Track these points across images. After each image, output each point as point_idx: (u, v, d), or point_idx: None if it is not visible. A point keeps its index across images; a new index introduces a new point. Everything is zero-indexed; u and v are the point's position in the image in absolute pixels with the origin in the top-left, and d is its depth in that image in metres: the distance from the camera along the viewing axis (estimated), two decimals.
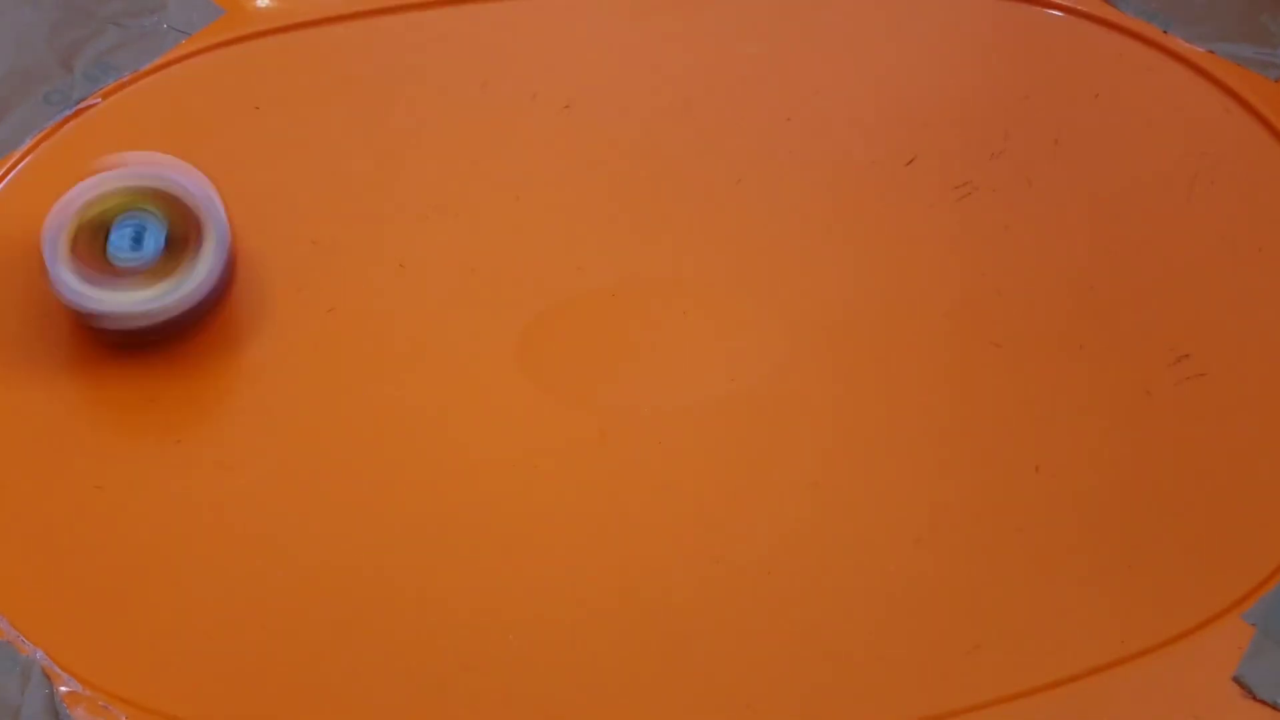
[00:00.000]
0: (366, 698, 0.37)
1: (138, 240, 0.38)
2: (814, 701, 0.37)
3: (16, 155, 0.46)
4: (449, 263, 0.44)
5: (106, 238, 0.38)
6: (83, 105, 0.47)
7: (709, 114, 0.47)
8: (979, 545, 0.39)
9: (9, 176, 0.45)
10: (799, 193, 0.46)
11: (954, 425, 0.41)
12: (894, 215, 0.45)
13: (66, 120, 0.46)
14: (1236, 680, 0.37)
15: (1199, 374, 0.42)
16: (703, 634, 0.38)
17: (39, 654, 0.37)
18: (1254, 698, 0.37)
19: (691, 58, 0.48)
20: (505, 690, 0.37)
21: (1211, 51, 0.48)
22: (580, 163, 0.46)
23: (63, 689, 0.37)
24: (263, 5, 0.49)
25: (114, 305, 0.37)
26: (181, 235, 0.38)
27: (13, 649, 0.37)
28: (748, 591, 0.39)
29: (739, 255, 0.44)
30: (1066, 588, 0.39)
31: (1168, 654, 0.38)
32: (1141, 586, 0.38)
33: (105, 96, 0.47)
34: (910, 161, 0.46)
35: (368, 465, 0.41)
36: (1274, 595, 0.38)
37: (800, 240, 0.45)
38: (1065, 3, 0.49)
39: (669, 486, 0.40)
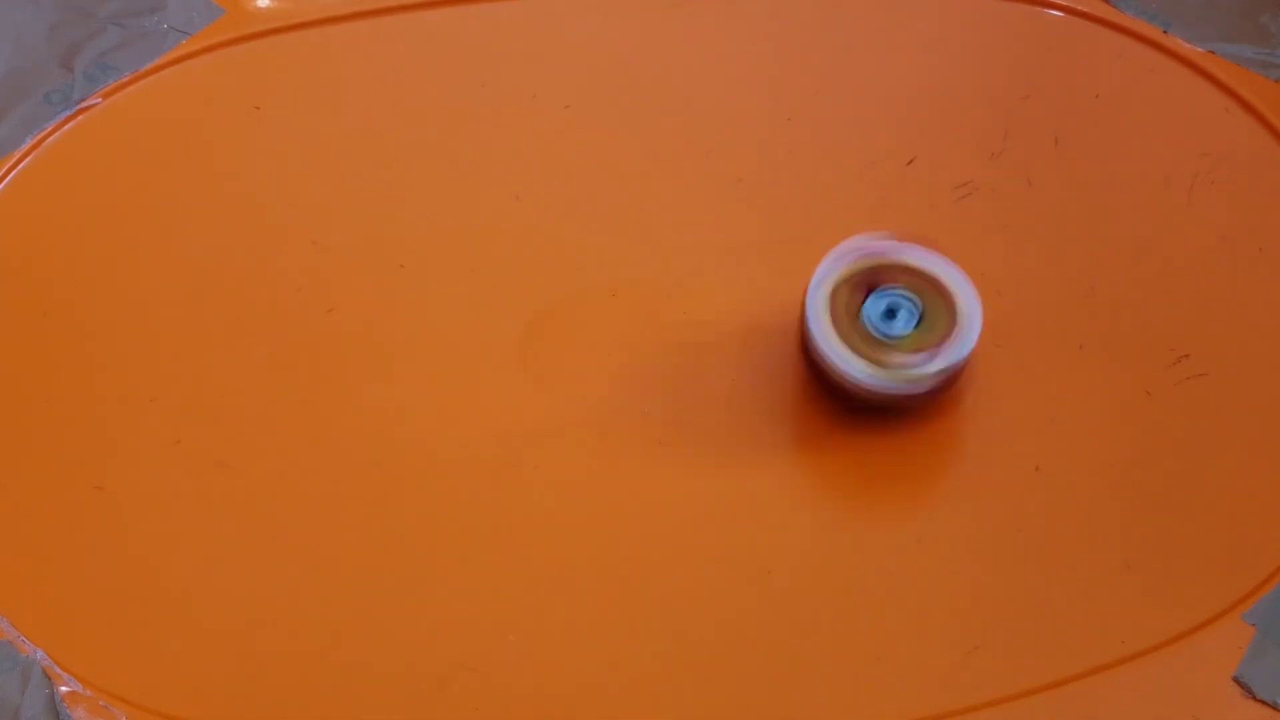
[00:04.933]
0: (366, 697, 0.37)
1: (891, 314, 0.40)
2: (813, 701, 0.37)
3: (17, 155, 0.46)
4: (449, 263, 0.44)
5: (863, 301, 0.41)
6: (83, 105, 0.47)
7: (709, 114, 0.47)
8: (979, 545, 0.39)
9: (9, 176, 0.45)
10: (799, 193, 0.46)
11: (954, 425, 0.41)
12: (894, 215, 0.45)
13: (67, 120, 0.46)
14: (1237, 680, 0.37)
15: (1199, 374, 0.42)
16: (702, 634, 0.38)
17: (39, 654, 0.37)
18: (1254, 698, 0.37)
19: (691, 58, 0.48)
20: (505, 689, 0.37)
21: (1212, 52, 0.48)
22: (580, 163, 0.46)
23: (63, 689, 0.37)
24: (263, 5, 0.49)
25: (855, 372, 0.40)
26: (932, 323, 0.40)
27: (13, 649, 0.37)
28: (747, 591, 0.39)
29: (739, 256, 0.44)
30: (1066, 588, 0.39)
31: (1168, 654, 0.38)
32: (1141, 586, 0.38)
33: (105, 96, 0.47)
34: (910, 161, 0.46)
35: (367, 465, 0.41)
36: (1274, 595, 0.38)
37: (800, 241, 0.45)
38: (1065, 3, 0.49)
39: (669, 486, 0.40)
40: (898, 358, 0.40)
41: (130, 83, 0.47)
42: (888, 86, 0.47)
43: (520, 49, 0.48)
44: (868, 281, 0.41)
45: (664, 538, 0.40)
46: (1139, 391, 0.42)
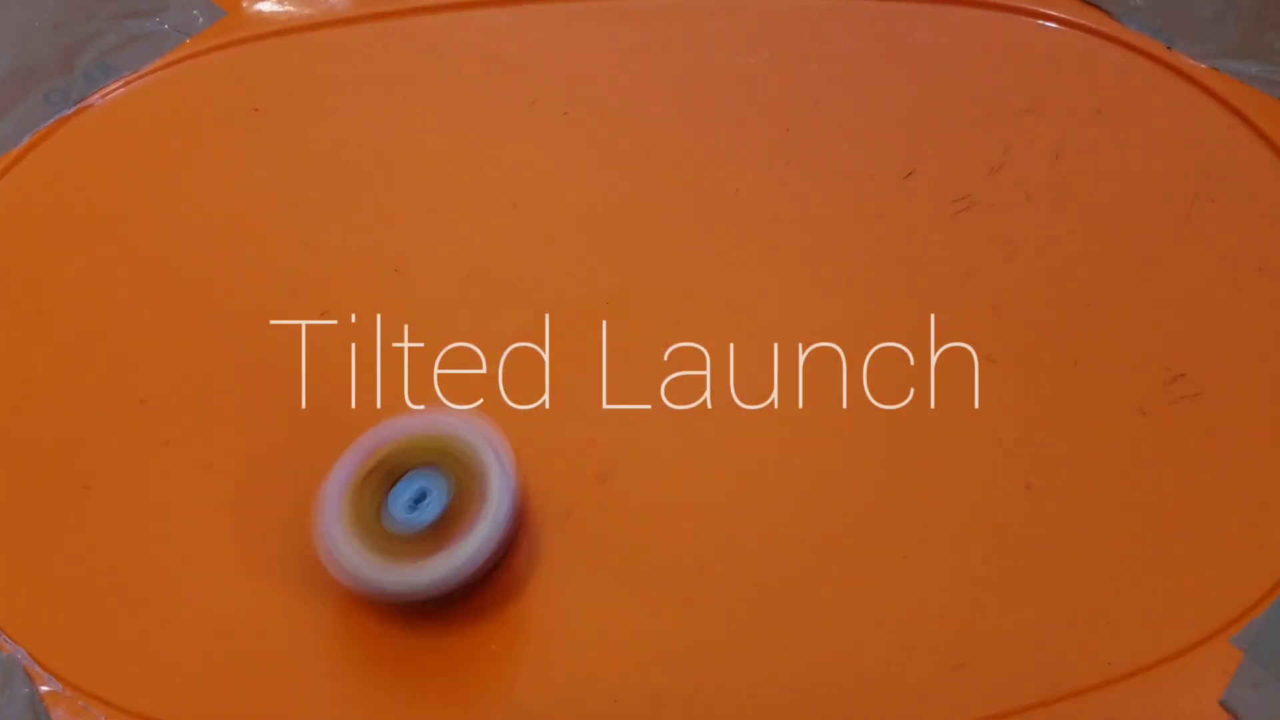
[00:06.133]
0: (347, 702, 0.37)
1: (417, 502, 0.37)
2: (796, 716, 0.37)
3: (16, 153, 0.46)
4: (445, 268, 0.44)
5: (388, 491, 0.37)
6: (83, 105, 0.47)
7: (707, 123, 0.47)
8: (967, 562, 0.39)
9: (8, 175, 0.46)
10: (796, 204, 0.45)
11: (946, 440, 0.41)
12: (892, 228, 0.45)
13: (66, 119, 0.47)
14: (1224, 705, 0.37)
15: (1194, 394, 0.41)
16: (686, 650, 0.38)
17: (21, 653, 0.37)
18: None
19: (691, 67, 0.48)
20: (485, 694, 0.37)
21: (1215, 69, 0.47)
22: (578, 170, 0.46)
23: (43, 688, 0.37)
24: (264, 8, 0.49)
25: (380, 582, 0.36)
26: (461, 504, 0.37)
27: None
28: (733, 603, 0.39)
29: (735, 265, 0.44)
30: (1054, 607, 0.38)
31: (1155, 677, 0.37)
32: (1130, 608, 0.38)
33: (105, 96, 0.47)
34: (909, 174, 0.46)
35: None
36: (1263, 620, 0.38)
37: (797, 251, 0.45)
38: (1068, 17, 0.48)
39: (657, 503, 0.40)
40: (422, 548, 0.36)
41: (130, 83, 0.47)
42: (887, 99, 0.47)
43: (520, 56, 0.48)
44: (391, 471, 0.37)
45: (650, 554, 0.39)
46: (1133, 410, 0.41)
